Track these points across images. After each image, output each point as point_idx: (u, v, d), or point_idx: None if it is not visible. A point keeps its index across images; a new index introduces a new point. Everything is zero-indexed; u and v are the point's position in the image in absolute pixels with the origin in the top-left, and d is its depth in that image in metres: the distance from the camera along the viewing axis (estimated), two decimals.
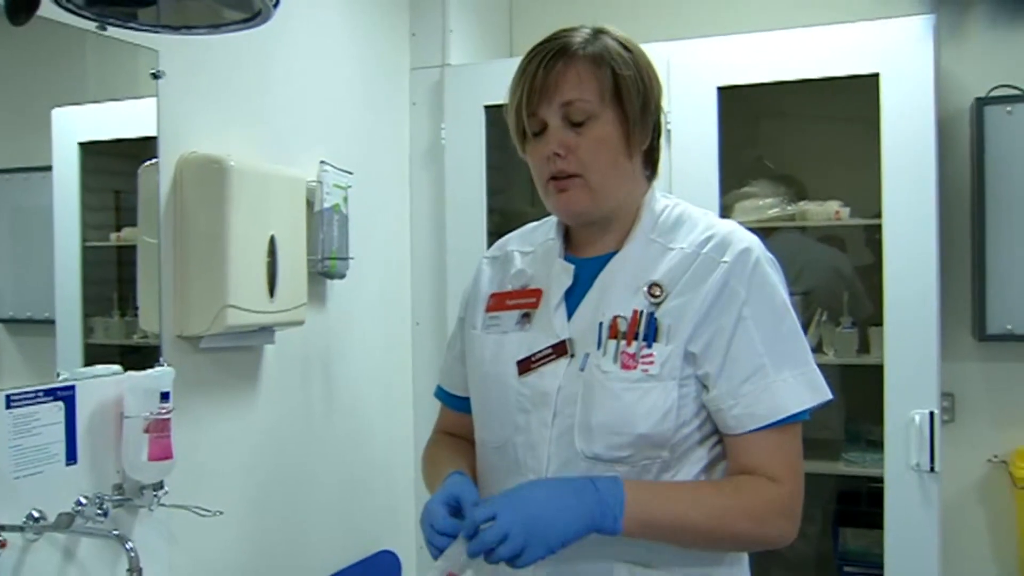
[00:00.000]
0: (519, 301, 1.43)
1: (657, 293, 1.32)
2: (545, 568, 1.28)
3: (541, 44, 1.37)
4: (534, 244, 1.50)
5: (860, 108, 2.48)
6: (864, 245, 2.87)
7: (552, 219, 1.49)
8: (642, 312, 1.31)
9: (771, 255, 1.38)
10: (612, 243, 1.39)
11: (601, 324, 1.33)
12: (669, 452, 1.30)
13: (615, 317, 1.32)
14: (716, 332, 1.29)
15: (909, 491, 2.34)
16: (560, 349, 1.34)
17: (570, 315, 1.37)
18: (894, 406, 2.36)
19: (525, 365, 1.36)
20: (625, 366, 1.29)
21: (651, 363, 1.28)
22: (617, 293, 1.34)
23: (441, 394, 1.62)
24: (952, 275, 2.59)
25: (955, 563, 2.59)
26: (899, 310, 2.36)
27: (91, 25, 1.49)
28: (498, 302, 1.46)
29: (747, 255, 1.32)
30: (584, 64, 1.32)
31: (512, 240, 1.55)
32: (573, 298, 1.38)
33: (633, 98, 1.33)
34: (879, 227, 2.41)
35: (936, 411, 2.32)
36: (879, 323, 2.43)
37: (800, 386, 1.28)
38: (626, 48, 1.35)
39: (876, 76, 2.38)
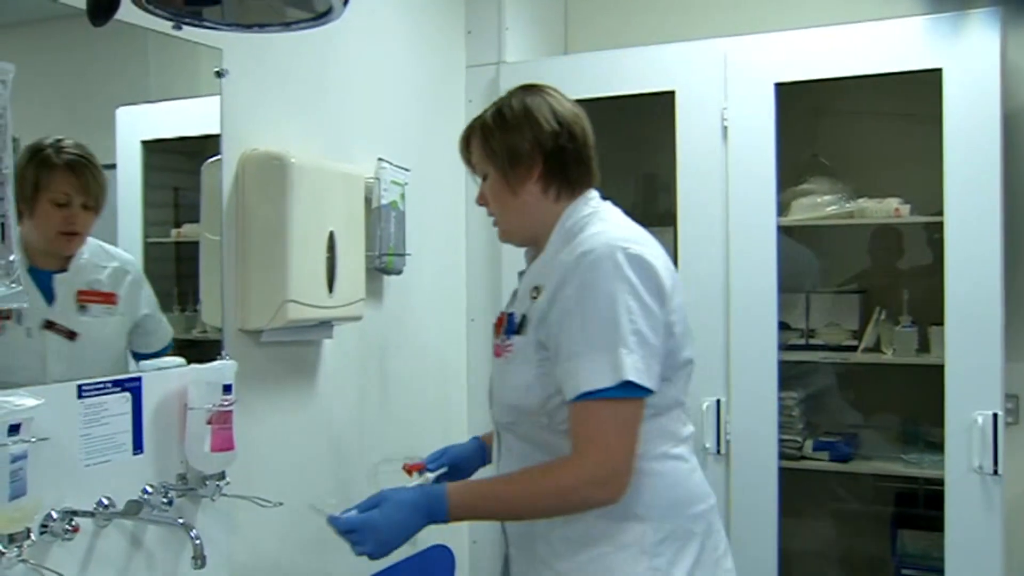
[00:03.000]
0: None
1: (535, 295, 1.60)
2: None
3: None
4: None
5: (921, 104, 2.44)
6: (924, 243, 2.82)
7: None
8: (512, 312, 1.64)
9: (634, 254, 1.51)
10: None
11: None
12: (547, 417, 1.56)
13: (501, 316, 1.69)
14: (553, 320, 1.53)
15: (971, 494, 2.30)
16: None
17: None
18: (955, 407, 2.32)
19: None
20: (496, 354, 1.66)
21: (511, 351, 1.61)
22: (520, 296, 1.67)
23: None
24: (1016, 273, 2.53)
25: (1018, 567, 2.53)
26: (961, 309, 2.32)
27: (156, 25, 1.52)
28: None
29: (584, 256, 1.52)
30: (473, 137, 1.71)
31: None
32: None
33: (498, 154, 1.65)
34: (940, 225, 2.37)
35: (1000, 412, 2.27)
36: (940, 322, 2.39)
37: (603, 367, 1.46)
38: (499, 114, 1.67)
39: (939, 71, 2.34)
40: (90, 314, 1.70)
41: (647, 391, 1.47)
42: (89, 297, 1.71)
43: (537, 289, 1.60)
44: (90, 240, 1.70)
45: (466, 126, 1.74)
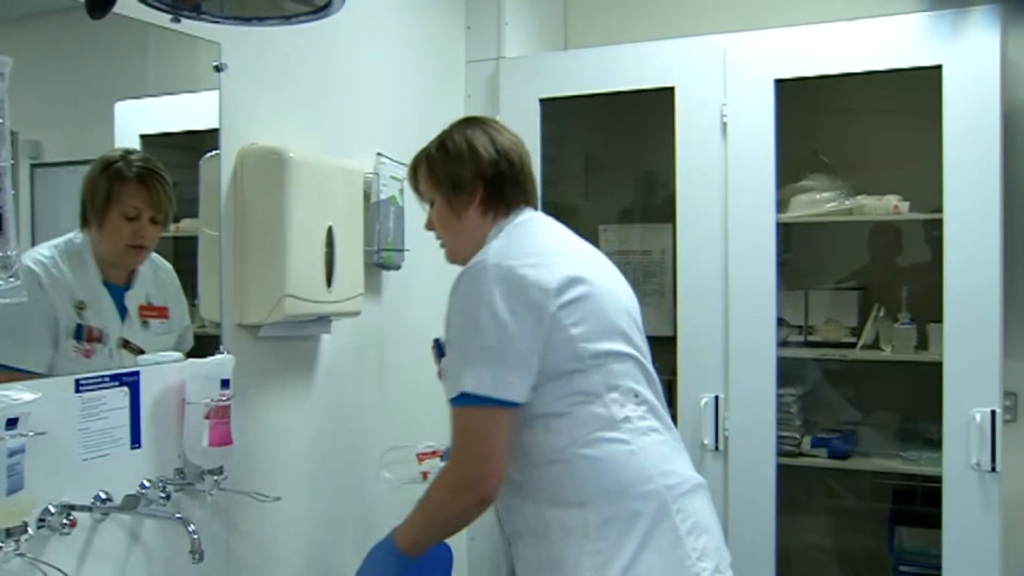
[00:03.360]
0: None
1: None
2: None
3: None
4: None
5: (920, 101, 2.44)
6: (923, 240, 2.82)
7: None
8: (438, 338, 1.85)
9: (503, 269, 1.62)
10: None
11: None
12: None
13: (433, 341, 1.95)
14: (446, 330, 1.70)
15: (969, 491, 2.30)
16: None
17: None
18: (954, 404, 2.32)
19: None
20: (440, 377, 1.84)
21: (444, 371, 1.75)
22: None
23: None
24: (1015, 271, 2.53)
25: (1016, 564, 2.54)
26: (960, 306, 2.32)
27: (155, 19, 1.51)
28: None
29: (463, 272, 1.68)
30: (420, 167, 1.86)
31: None
32: None
33: (443, 182, 1.80)
34: (939, 222, 2.36)
35: (998, 410, 2.27)
36: (938, 319, 2.39)
37: (452, 379, 1.63)
38: (443, 146, 1.82)
39: (938, 68, 2.34)
40: (151, 330, 1.73)
41: (486, 400, 1.59)
42: (149, 312, 1.73)
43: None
44: None
45: (413, 157, 1.89)
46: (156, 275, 1.77)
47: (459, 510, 1.67)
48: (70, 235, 1.62)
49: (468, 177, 1.78)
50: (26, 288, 1.34)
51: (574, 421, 1.64)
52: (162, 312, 1.76)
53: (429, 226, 1.88)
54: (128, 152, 1.67)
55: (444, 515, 1.69)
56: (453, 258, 1.86)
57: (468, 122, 1.86)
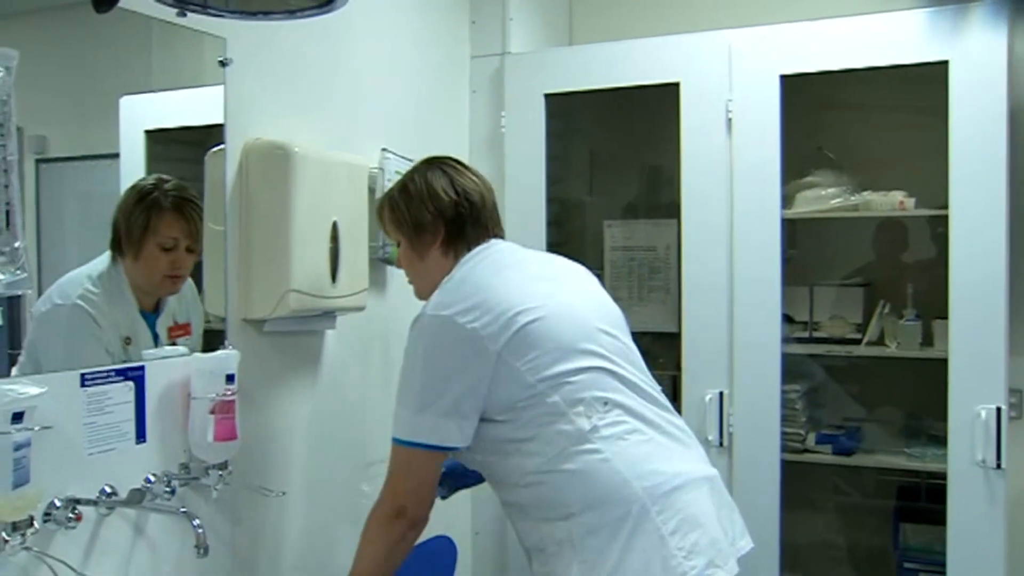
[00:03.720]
0: None
1: None
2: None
3: None
4: None
5: (927, 97, 2.43)
6: (929, 237, 2.81)
7: None
8: None
9: (440, 320, 1.69)
10: None
11: None
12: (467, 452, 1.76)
13: None
14: None
15: (974, 487, 2.30)
16: None
17: None
18: (959, 401, 2.32)
19: None
20: None
21: None
22: None
23: None
24: (1021, 267, 2.52)
25: (1021, 561, 2.53)
26: (965, 303, 2.32)
27: (160, 13, 1.52)
28: None
29: (413, 321, 1.73)
30: (385, 209, 1.89)
31: None
32: None
33: (405, 224, 1.84)
34: (945, 218, 2.36)
35: (1003, 407, 2.27)
36: (944, 316, 2.38)
37: (394, 421, 1.72)
38: (404, 189, 1.85)
39: (945, 64, 2.33)
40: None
41: (415, 444, 1.69)
42: (176, 332, 1.75)
43: None
44: None
45: (380, 199, 1.96)
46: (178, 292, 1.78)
47: (396, 537, 1.74)
48: (100, 263, 1.63)
49: (429, 219, 1.82)
50: (83, 326, 1.35)
51: (542, 442, 1.68)
52: (186, 329, 1.78)
53: (398, 264, 1.94)
54: (162, 180, 1.68)
55: (385, 545, 1.75)
56: (420, 295, 1.88)
57: (429, 163, 1.88)
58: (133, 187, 1.65)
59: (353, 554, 1.77)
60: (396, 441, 1.73)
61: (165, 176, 1.70)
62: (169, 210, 1.67)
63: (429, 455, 1.72)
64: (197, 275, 1.85)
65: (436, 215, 1.81)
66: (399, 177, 2.31)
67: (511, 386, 1.67)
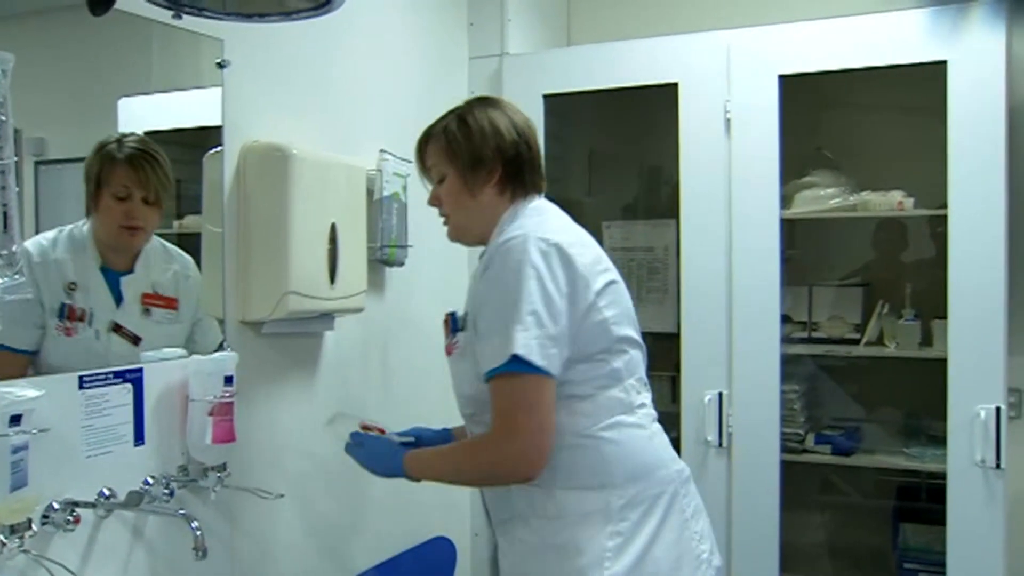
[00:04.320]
0: None
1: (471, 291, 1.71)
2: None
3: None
4: None
5: (925, 97, 2.43)
6: (928, 237, 2.82)
7: None
8: (454, 311, 1.78)
9: (548, 243, 1.59)
10: None
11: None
12: None
13: (446, 315, 1.80)
14: (470, 308, 1.68)
15: (973, 487, 2.30)
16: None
17: None
18: (958, 401, 2.32)
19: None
20: (448, 352, 1.78)
21: (458, 347, 1.73)
22: (467, 296, 1.75)
23: None
24: (1020, 267, 2.52)
25: (1020, 560, 2.53)
26: (964, 303, 2.32)
27: (158, 15, 1.51)
28: None
29: (500, 245, 1.63)
30: (432, 141, 1.80)
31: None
32: None
33: (462, 157, 1.74)
34: (944, 218, 2.36)
35: (1002, 406, 2.27)
36: (943, 316, 2.38)
37: (498, 346, 1.56)
38: (463, 122, 1.76)
39: (943, 64, 2.33)
40: (153, 319, 1.72)
41: (535, 368, 1.53)
42: (153, 301, 1.73)
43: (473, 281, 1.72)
44: (153, 239, 1.74)
45: (423, 131, 1.83)
46: (168, 265, 1.77)
47: (499, 480, 1.67)
48: (80, 222, 1.64)
49: (488, 155, 1.73)
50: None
51: (597, 404, 1.65)
52: (169, 303, 1.76)
53: (435, 202, 1.82)
54: (125, 135, 1.67)
55: (479, 480, 1.72)
56: (458, 235, 1.82)
57: (486, 101, 1.82)
58: (97, 143, 1.65)
59: (357, 561, 1.78)
60: (514, 367, 1.54)
61: (132, 133, 1.69)
62: (122, 161, 1.66)
63: (539, 380, 1.55)
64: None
65: (496, 153, 1.74)
66: (398, 179, 2.32)
67: (594, 334, 1.63)
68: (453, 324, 1.78)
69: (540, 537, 1.67)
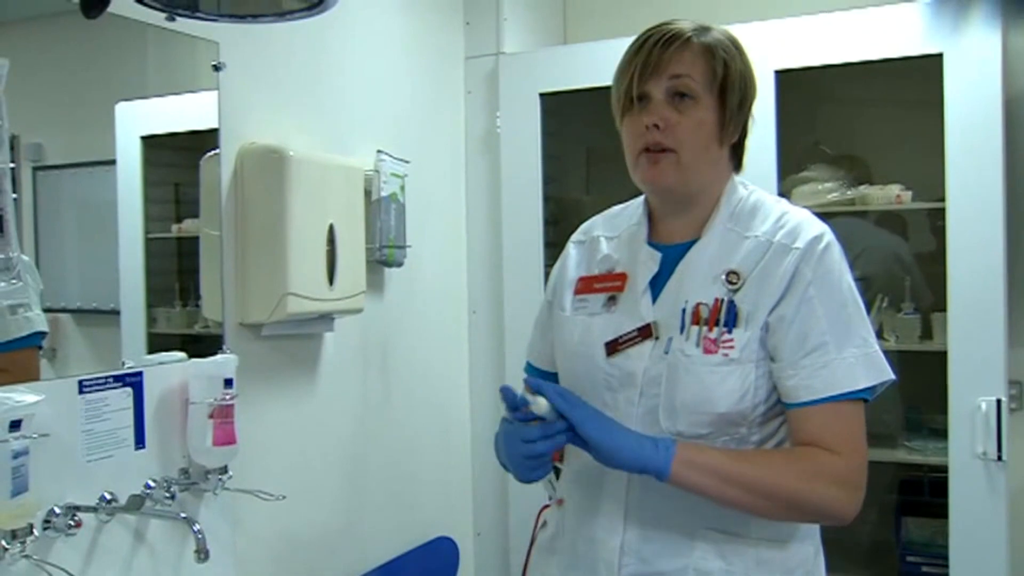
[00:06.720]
0: (606, 284, 1.51)
1: (735, 280, 1.40)
2: (633, 531, 1.41)
3: (655, 27, 1.49)
4: (619, 230, 1.58)
5: (922, 90, 2.43)
6: (926, 230, 2.81)
7: (635, 204, 1.58)
8: (723, 300, 1.39)
9: (838, 241, 1.44)
10: (692, 230, 1.47)
11: (684, 310, 1.41)
12: (747, 428, 1.39)
13: (697, 304, 1.40)
14: (785, 311, 1.37)
15: (975, 480, 2.30)
16: (645, 332, 1.43)
17: (654, 300, 1.45)
18: (959, 394, 2.31)
19: (613, 347, 1.44)
20: (707, 351, 1.37)
21: (731, 347, 1.37)
22: (698, 280, 1.42)
23: (530, 369, 1.68)
24: (1019, 259, 2.52)
25: (1023, 553, 2.53)
26: (964, 295, 2.31)
27: (154, 19, 1.51)
28: (586, 285, 1.54)
29: (817, 242, 1.40)
30: (698, 49, 1.42)
31: (597, 225, 1.64)
32: (656, 284, 1.46)
33: (735, 91, 1.42)
34: (942, 211, 2.36)
35: (1003, 399, 2.27)
36: (942, 309, 2.38)
37: (859, 365, 1.34)
38: (734, 46, 1.45)
39: (939, 57, 2.32)
40: None
41: (876, 389, 1.37)
42: None
43: (736, 275, 1.40)
44: None
45: (679, 29, 1.45)
46: None
47: (824, 505, 1.34)
48: None
49: (748, 107, 1.45)
50: None
51: None
52: None
53: (664, 122, 1.39)
54: None
55: (799, 496, 1.33)
56: (675, 179, 1.41)
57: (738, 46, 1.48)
58: None
59: (359, 562, 1.76)
60: (864, 393, 1.34)
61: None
62: None
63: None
64: (195, 280, 1.85)
65: (749, 110, 1.47)
66: (395, 179, 2.32)
67: None
68: (729, 315, 1.38)
69: (780, 553, 1.42)
